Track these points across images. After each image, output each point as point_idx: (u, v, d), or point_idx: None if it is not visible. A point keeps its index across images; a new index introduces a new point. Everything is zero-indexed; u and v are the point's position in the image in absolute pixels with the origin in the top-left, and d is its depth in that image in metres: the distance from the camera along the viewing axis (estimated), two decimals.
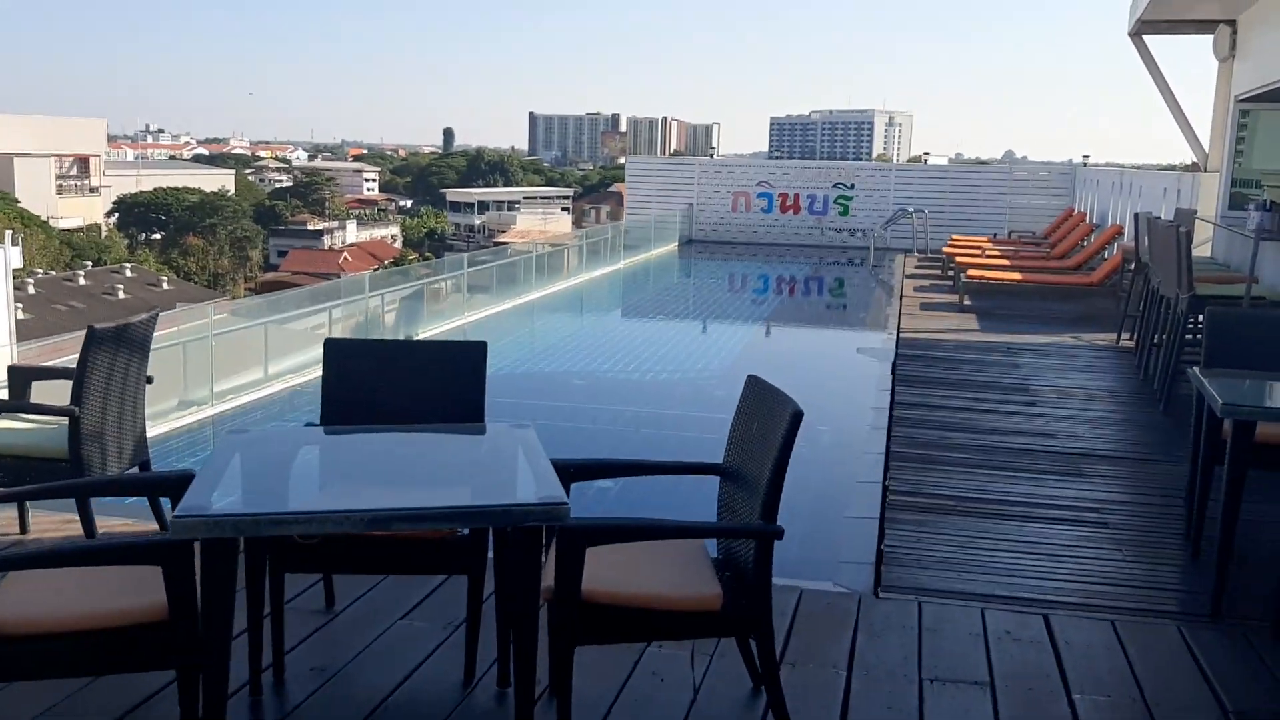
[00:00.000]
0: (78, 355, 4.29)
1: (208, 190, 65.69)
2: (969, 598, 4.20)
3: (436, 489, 3.03)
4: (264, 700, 3.32)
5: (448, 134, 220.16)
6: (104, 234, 57.86)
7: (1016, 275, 13.68)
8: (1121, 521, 5.15)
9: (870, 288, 18.08)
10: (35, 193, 51.86)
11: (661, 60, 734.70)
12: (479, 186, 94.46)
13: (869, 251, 20.76)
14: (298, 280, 44.18)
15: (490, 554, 3.36)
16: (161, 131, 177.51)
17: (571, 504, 3.30)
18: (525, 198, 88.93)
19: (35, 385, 5.37)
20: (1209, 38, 12.58)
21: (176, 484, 2.89)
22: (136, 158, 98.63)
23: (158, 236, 62.23)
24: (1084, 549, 4.78)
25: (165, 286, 42.86)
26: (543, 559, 3.03)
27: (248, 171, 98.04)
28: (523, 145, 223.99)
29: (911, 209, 21.23)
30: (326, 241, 74.16)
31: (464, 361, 3.70)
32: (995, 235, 19.85)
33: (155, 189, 64.07)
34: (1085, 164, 24.11)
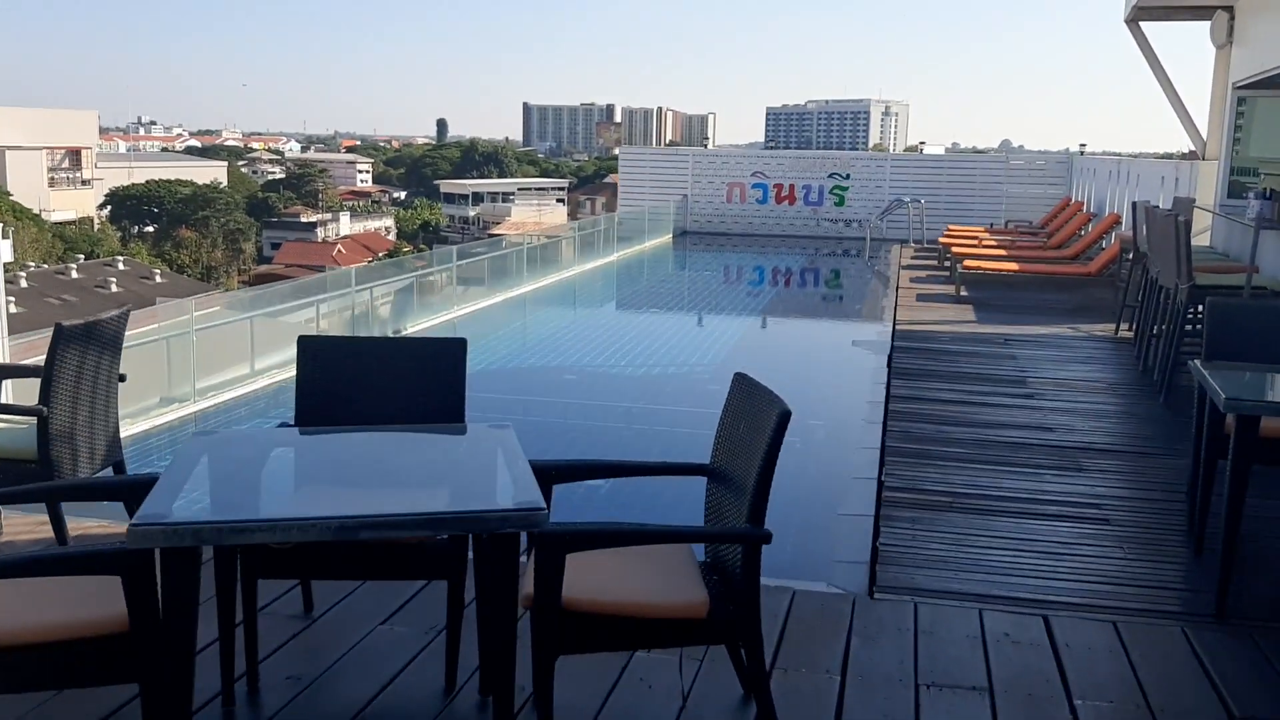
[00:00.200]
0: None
1: (200, 183, 65.43)
2: (966, 598, 4.09)
3: (410, 493, 2.90)
4: (236, 711, 3.21)
5: (441, 125, 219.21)
6: (96, 227, 57.62)
7: (1013, 265, 13.57)
8: (1122, 518, 5.04)
9: (866, 279, 17.97)
10: (27, 185, 51.65)
11: (657, 50, 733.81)
12: (473, 178, 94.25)
13: (865, 242, 20.66)
14: (291, 273, 43.93)
15: (471, 558, 3.25)
16: (154, 123, 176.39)
17: (560, 503, 3.19)
18: (520, 189, 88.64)
19: (10, 384, 5.26)
20: (1206, 24, 12.45)
21: (146, 489, 2.76)
22: (129, 150, 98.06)
23: (150, 229, 62.03)
24: (1084, 546, 4.67)
25: (158, 279, 42.66)
26: (524, 564, 2.91)
27: (240, 163, 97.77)
28: (517, 136, 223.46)
29: (907, 199, 21.12)
30: (320, 234, 73.77)
31: (444, 359, 3.59)
32: (992, 225, 19.72)
33: (147, 181, 63.83)
34: (1082, 152, 24.00)
